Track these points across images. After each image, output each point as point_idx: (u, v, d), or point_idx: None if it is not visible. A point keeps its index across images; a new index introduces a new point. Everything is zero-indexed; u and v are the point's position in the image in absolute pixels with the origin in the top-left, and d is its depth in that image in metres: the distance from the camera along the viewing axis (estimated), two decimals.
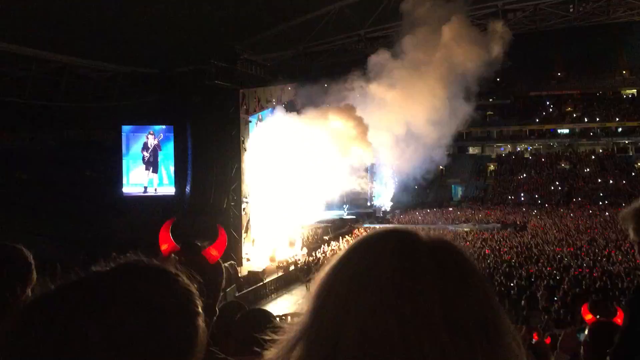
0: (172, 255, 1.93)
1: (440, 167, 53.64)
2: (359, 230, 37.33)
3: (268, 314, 2.66)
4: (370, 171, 44.79)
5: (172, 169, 28.71)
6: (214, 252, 1.98)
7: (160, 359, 0.82)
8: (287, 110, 32.66)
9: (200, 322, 0.91)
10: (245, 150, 28.61)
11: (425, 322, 0.67)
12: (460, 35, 39.26)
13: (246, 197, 28.53)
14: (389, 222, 42.78)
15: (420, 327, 0.66)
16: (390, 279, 0.69)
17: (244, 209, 28.14)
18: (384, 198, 47.52)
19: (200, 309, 0.92)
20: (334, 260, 0.78)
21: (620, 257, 23.61)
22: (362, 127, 35.41)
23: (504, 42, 39.38)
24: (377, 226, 38.74)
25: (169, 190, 28.61)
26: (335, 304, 0.71)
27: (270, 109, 31.93)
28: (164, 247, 1.96)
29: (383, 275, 0.70)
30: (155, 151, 28.63)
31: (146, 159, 28.57)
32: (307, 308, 0.76)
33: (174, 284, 0.91)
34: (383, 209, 46.96)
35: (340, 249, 0.84)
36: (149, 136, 28.54)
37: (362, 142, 35.63)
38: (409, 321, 0.67)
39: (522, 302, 17.52)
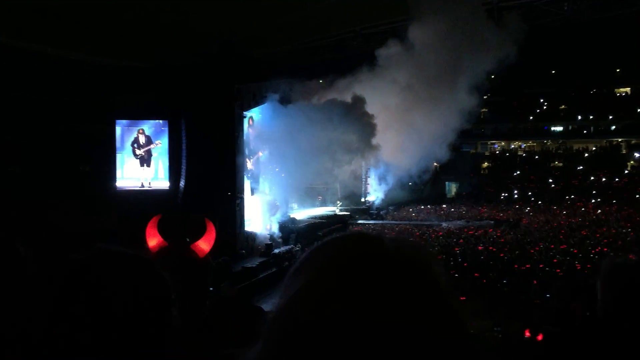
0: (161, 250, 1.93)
1: (435, 164, 53.76)
2: (352, 226, 37.40)
3: (256, 311, 2.65)
4: (365, 167, 44.78)
5: (166, 163, 28.61)
6: (203, 246, 1.97)
7: (132, 343, 0.83)
8: (281, 103, 32.39)
9: (173, 310, 0.92)
10: (240, 145, 28.58)
11: (385, 333, 0.64)
12: (471, 29, 39.08)
13: (240, 192, 28.50)
14: (382, 219, 42.85)
15: (381, 339, 0.64)
16: (349, 291, 0.67)
17: (238, 204, 28.11)
18: (378, 194, 47.49)
19: (173, 297, 0.93)
20: (294, 267, 0.75)
21: (612, 254, 23.73)
22: (371, 127, 34.99)
23: (518, 37, 39.31)
24: (371, 222, 38.99)
25: (163, 184, 28.54)
26: (296, 315, 0.68)
27: (265, 104, 31.81)
28: (152, 243, 1.96)
29: (341, 287, 0.67)
30: (147, 148, 28.53)
31: (138, 155, 28.46)
32: (271, 315, 0.73)
33: (149, 271, 0.92)
34: (377, 205, 46.96)
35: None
36: (140, 135, 28.42)
37: (368, 146, 35.25)
38: (368, 334, 0.64)
39: (515, 298, 17.60)
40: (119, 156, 28.44)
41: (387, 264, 0.69)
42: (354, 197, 44.91)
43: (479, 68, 41.28)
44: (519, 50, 40.10)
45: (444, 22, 38.77)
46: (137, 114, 28.80)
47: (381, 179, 46.92)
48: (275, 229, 30.45)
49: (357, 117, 34.30)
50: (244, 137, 29.26)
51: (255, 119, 31.65)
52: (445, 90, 41.55)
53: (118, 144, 28.38)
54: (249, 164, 30.18)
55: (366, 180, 45.98)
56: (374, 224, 38.93)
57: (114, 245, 0.96)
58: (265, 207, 30.88)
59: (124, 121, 28.63)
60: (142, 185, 28.43)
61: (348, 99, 35.49)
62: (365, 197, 46.35)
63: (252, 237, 29.34)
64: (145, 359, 0.87)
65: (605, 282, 2.10)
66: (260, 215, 30.61)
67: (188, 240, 1.98)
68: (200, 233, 2.00)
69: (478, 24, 38.99)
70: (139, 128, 28.44)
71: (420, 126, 41.80)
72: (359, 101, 35.22)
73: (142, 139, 28.43)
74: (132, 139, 28.50)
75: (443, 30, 39.01)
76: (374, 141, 35.71)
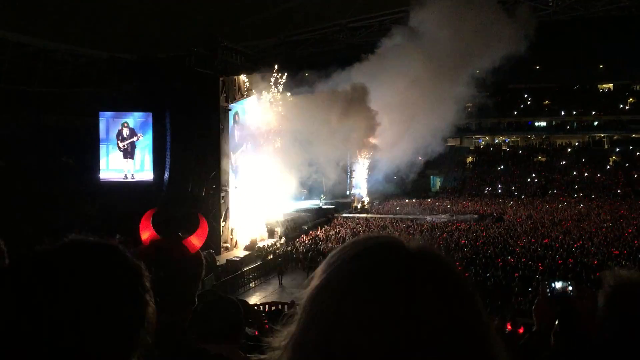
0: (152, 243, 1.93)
1: (420, 157, 53.90)
2: (337, 220, 37.42)
3: (236, 305, 2.65)
4: (350, 161, 44.73)
5: (151, 155, 28.40)
6: (195, 242, 1.97)
7: (105, 333, 0.85)
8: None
9: (148, 299, 0.92)
10: (225, 138, 28.41)
11: (414, 340, 0.66)
12: (478, 21, 39.11)
13: (225, 186, 28.38)
14: (367, 213, 42.91)
15: (410, 345, 0.65)
16: (377, 298, 0.68)
17: (222, 197, 27.99)
18: (362, 188, 47.50)
19: (148, 286, 0.94)
20: (323, 271, 0.76)
21: (593, 248, 24.04)
22: (372, 122, 34.70)
23: (528, 31, 39.49)
24: (356, 216, 38.96)
25: (147, 176, 28.34)
26: (324, 318, 0.70)
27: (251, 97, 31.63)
28: (144, 235, 1.96)
29: (370, 294, 0.69)
30: (131, 141, 28.30)
31: (122, 147, 28.23)
32: (297, 318, 0.74)
33: (120, 260, 0.92)
34: (362, 199, 46.99)
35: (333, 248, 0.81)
36: (124, 128, 28.18)
37: (366, 144, 35.02)
38: (397, 339, 0.66)
39: (497, 292, 17.78)
40: (103, 148, 28.19)
41: (413, 274, 0.71)
42: (338, 190, 44.82)
43: (477, 61, 41.51)
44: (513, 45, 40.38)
45: (444, 12, 38.80)
46: (121, 106, 28.54)
47: (366, 172, 46.89)
48: (261, 222, 30.36)
49: (355, 111, 34.16)
50: (229, 131, 29.07)
51: (241, 113, 31.46)
52: (444, 83, 41.70)
53: (102, 135, 28.12)
54: (234, 158, 30.01)
55: (351, 174, 45.95)
56: (359, 217, 38.98)
57: (91, 236, 0.97)
58: (250, 200, 30.73)
59: (108, 113, 28.36)
60: (126, 177, 28.23)
61: (339, 90, 35.28)
62: (349, 191, 46.34)
63: (236, 230, 29.26)
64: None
65: (609, 303, 1.62)
66: (245, 209, 30.47)
67: (180, 235, 1.98)
68: (193, 228, 2.00)
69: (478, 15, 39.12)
70: (123, 121, 28.19)
71: (415, 120, 41.94)
72: (356, 93, 34.98)
73: (125, 132, 28.20)
74: (116, 131, 28.27)
75: (444, 20, 39.04)
76: (371, 139, 35.64)
